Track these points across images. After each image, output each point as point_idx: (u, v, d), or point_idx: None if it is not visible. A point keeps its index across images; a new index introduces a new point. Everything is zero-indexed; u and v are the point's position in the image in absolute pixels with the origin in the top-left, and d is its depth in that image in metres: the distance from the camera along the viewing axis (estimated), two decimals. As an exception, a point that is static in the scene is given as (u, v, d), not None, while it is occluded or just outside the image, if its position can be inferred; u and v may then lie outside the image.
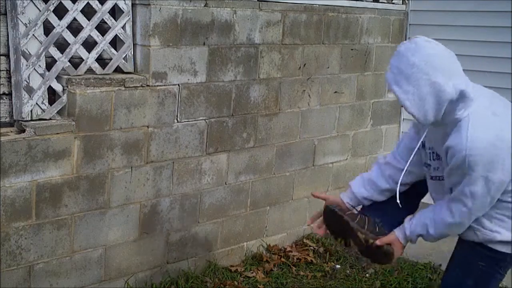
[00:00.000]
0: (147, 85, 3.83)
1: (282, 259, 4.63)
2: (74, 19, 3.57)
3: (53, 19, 3.49)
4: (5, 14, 3.39)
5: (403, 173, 2.94)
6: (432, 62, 2.54)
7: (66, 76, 3.56)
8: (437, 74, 2.53)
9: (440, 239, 2.88)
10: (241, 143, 4.44)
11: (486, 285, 2.85)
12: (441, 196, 2.85)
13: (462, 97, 2.58)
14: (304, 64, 4.77)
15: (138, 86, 3.79)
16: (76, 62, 3.63)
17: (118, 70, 3.81)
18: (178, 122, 4.02)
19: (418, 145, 2.88)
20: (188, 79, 4.03)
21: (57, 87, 3.54)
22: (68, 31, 3.56)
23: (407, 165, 2.93)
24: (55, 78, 3.54)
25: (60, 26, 3.52)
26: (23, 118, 3.42)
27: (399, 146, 3.10)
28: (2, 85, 3.43)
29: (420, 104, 2.56)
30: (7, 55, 3.43)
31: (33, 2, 3.41)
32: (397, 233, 2.93)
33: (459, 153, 2.56)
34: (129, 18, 3.81)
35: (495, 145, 2.55)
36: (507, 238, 2.74)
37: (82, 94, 3.55)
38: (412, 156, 2.90)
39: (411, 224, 2.88)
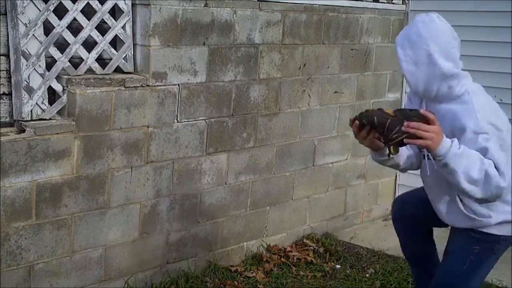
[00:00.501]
0: (147, 85, 3.83)
1: (282, 259, 4.63)
2: (74, 19, 3.57)
3: (53, 19, 3.49)
4: (5, 14, 3.39)
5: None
6: (435, 38, 2.78)
7: (66, 76, 3.56)
8: (436, 49, 2.77)
9: (474, 197, 2.73)
10: (241, 143, 4.44)
11: (480, 268, 2.96)
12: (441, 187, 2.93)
13: (456, 75, 2.81)
14: (304, 64, 4.77)
15: (138, 86, 3.79)
16: (76, 62, 3.63)
17: (118, 70, 3.81)
18: (178, 122, 4.02)
19: None
20: (188, 79, 4.03)
21: (57, 87, 3.54)
22: (68, 31, 3.56)
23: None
24: (55, 78, 3.54)
25: (60, 26, 3.52)
26: (23, 118, 3.42)
27: None
28: (2, 85, 3.43)
29: (414, 70, 2.81)
30: (7, 55, 3.43)
31: (33, 2, 3.41)
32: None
33: (467, 120, 2.70)
34: (129, 18, 3.81)
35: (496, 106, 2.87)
36: (498, 220, 2.87)
37: (82, 94, 3.55)
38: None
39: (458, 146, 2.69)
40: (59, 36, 3.53)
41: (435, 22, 2.84)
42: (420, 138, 2.59)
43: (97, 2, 3.66)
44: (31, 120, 3.45)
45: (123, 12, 3.77)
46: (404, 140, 2.63)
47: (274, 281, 4.34)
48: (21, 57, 3.39)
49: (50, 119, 3.51)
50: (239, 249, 4.59)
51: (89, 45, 3.66)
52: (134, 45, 3.86)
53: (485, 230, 2.91)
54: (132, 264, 3.94)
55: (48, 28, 3.49)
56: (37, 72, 3.46)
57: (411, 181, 5.62)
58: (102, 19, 3.69)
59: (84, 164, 3.60)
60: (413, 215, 3.35)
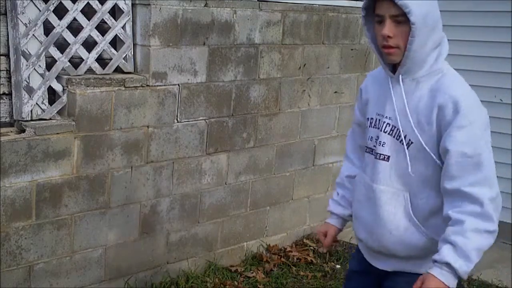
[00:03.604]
0: (147, 85, 3.83)
1: (282, 259, 4.64)
2: (74, 19, 3.57)
3: (53, 19, 3.49)
4: (5, 14, 3.39)
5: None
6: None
7: (66, 76, 3.56)
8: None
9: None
10: (241, 143, 4.44)
11: None
12: (388, 184, 2.41)
13: (444, 43, 2.47)
14: (304, 64, 4.77)
15: (138, 86, 3.79)
16: (76, 62, 3.63)
17: (118, 70, 3.82)
18: (178, 122, 4.02)
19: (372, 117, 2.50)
20: (188, 79, 4.03)
21: (57, 87, 3.55)
22: (68, 31, 3.56)
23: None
24: (55, 78, 3.54)
25: (60, 26, 3.52)
26: (23, 118, 3.42)
27: (348, 153, 2.83)
28: (2, 85, 3.43)
29: (427, 38, 2.34)
30: (7, 55, 3.43)
31: (33, 2, 3.41)
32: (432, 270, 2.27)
33: (460, 99, 2.29)
34: (129, 18, 3.81)
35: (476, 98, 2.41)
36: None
37: (82, 94, 3.55)
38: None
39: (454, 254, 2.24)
40: (59, 36, 3.53)
41: None
42: None
43: (97, 2, 3.66)
44: (31, 120, 3.45)
45: (123, 12, 3.77)
46: None
47: (274, 281, 4.34)
48: (21, 57, 3.39)
49: (50, 119, 3.51)
50: (239, 249, 4.59)
51: (89, 45, 3.66)
52: (134, 45, 3.86)
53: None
54: (132, 264, 3.94)
55: (48, 28, 3.49)
56: (37, 72, 3.46)
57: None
58: (102, 19, 3.69)
59: (84, 164, 3.60)
60: None
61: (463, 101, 2.31)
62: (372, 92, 2.57)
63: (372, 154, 2.48)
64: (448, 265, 2.21)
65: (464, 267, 2.21)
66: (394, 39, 2.31)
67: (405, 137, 2.37)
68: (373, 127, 2.49)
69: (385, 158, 2.42)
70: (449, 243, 2.23)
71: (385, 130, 2.43)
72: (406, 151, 2.36)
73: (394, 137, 2.41)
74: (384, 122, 2.44)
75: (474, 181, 2.25)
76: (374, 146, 2.46)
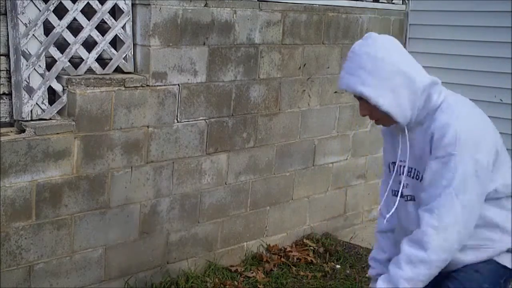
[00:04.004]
0: (147, 85, 3.83)
1: (282, 259, 4.63)
2: (74, 19, 3.57)
3: (53, 19, 3.49)
4: (5, 14, 3.39)
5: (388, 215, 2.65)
6: (394, 52, 2.38)
7: (66, 76, 3.56)
8: (403, 64, 2.36)
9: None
10: (241, 143, 4.44)
11: None
12: (414, 225, 2.44)
13: (433, 83, 2.40)
14: (304, 64, 4.77)
15: (138, 86, 3.79)
16: (76, 62, 3.63)
17: (118, 70, 3.81)
18: (178, 122, 4.02)
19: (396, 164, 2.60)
20: (188, 79, 4.03)
21: (57, 87, 3.54)
22: (68, 31, 3.56)
23: (391, 212, 2.63)
24: (55, 78, 3.54)
25: (60, 26, 3.52)
26: (23, 118, 3.42)
27: (382, 197, 2.76)
28: (2, 85, 3.43)
29: (394, 98, 2.33)
30: (7, 55, 3.43)
31: (33, 2, 3.41)
32: None
33: (448, 130, 2.29)
34: (129, 18, 3.81)
35: (483, 120, 2.42)
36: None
37: (82, 94, 3.55)
38: (387, 191, 2.66)
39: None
40: (59, 36, 3.53)
41: (378, 39, 2.40)
42: None
43: (97, 2, 3.66)
44: (31, 120, 3.45)
45: (123, 12, 3.77)
46: None
47: (274, 281, 4.34)
48: (21, 57, 3.39)
49: (50, 119, 3.51)
50: (239, 249, 4.59)
51: (89, 45, 3.66)
52: (134, 45, 3.86)
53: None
54: (132, 264, 3.94)
55: (48, 28, 3.49)
56: (37, 72, 3.46)
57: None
58: (102, 19, 3.69)
59: (84, 164, 3.60)
60: None
61: (448, 130, 2.33)
62: (388, 139, 2.67)
63: (397, 196, 2.57)
64: None
65: None
66: (371, 114, 2.44)
67: (418, 173, 2.46)
68: (395, 171, 2.58)
69: (412, 199, 2.52)
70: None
71: (403, 173, 2.52)
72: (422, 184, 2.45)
73: (412, 177, 2.50)
74: (400, 166, 2.53)
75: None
76: (398, 189, 2.55)
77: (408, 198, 2.52)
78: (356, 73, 2.36)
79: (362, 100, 2.41)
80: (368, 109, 2.42)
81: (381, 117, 2.43)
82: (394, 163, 2.57)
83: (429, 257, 2.31)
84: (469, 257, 2.45)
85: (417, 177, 2.47)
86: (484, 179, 2.33)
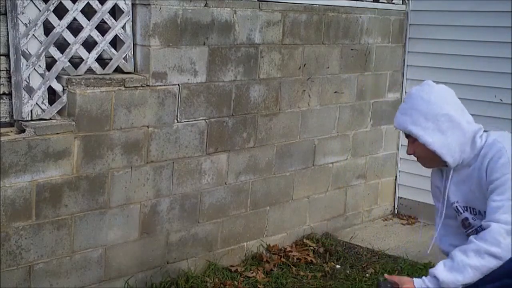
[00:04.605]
0: (147, 85, 3.83)
1: (282, 259, 4.63)
2: (74, 19, 3.57)
3: (53, 19, 3.49)
4: (5, 14, 3.39)
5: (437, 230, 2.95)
6: (446, 99, 2.67)
7: (66, 76, 3.56)
8: (454, 110, 2.65)
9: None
10: (241, 143, 4.44)
11: None
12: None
13: (479, 129, 2.71)
14: (304, 64, 4.77)
15: (138, 86, 3.79)
16: (76, 62, 3.63)
17: (118, 70, 3.82)
18: (178, 122, 4.02)
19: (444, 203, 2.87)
20: (188, 79, 4.03)
21: (57, 87, 3.54)
22: (68, 31, 3.56)
23: (438, 227, 2.92)
24: (55, 78, 3.54)
25: (60, 26, 3.52)
26: (23, 118, 3.42)
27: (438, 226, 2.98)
28: (2, 85, 3.43)
29: (443, 139, 2.63)
30: (7, 55, 3.43)
31: (33, 2, 3.41)
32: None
33: (502, 156, 2.57)
34: (129, 18, 3.81)
35: None
36: None
37: (82, 94, 3.55)
38: (441, 217, 2.89)
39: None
40: (59, 36, 3.53)
41: (435, 86, 2.72)
42: None
43: (97, 2, 3.66)
44: (31, 120, 3.45)
45: (123, 12, 3.77)
46: None
47: (274, 281, 4.34)
48: (21, 57, 3.39)
49: (50, 119, 3.51)
50: (239, 249, 4.59)
51: (89, 45, 3.66)
52: (134, 45, 3.86)
53: None
54: (132, 264, 3.94)
55: (48, 28, 3.49)
56: (37, 72, 3.46)
57: (412, 181, 5.63)
58: (102, 19, 3.69)
59: (84, 164, 3.60)
60: None
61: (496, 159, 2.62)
62: (436, 183, 2.95)
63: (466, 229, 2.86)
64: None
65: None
66: (416, 153, 2.73)
67: (474, 209, 2.76)
68: (455, 211, 2.86)
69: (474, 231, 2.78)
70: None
71: (462, 211, 2.82)
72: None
73: (471, 213, 2.80)
74: (456, 206, 2.83)
75: None
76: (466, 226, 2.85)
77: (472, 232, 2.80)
78: (408, 112, 2.68)
79: (411, 138, 2.70)
80: (416, 148, 2.70)
81: (427, 157, 2.71)
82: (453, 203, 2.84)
83: (502, 253, 2.49)
84: None
85: (474, 211, 2.76)
86: None
